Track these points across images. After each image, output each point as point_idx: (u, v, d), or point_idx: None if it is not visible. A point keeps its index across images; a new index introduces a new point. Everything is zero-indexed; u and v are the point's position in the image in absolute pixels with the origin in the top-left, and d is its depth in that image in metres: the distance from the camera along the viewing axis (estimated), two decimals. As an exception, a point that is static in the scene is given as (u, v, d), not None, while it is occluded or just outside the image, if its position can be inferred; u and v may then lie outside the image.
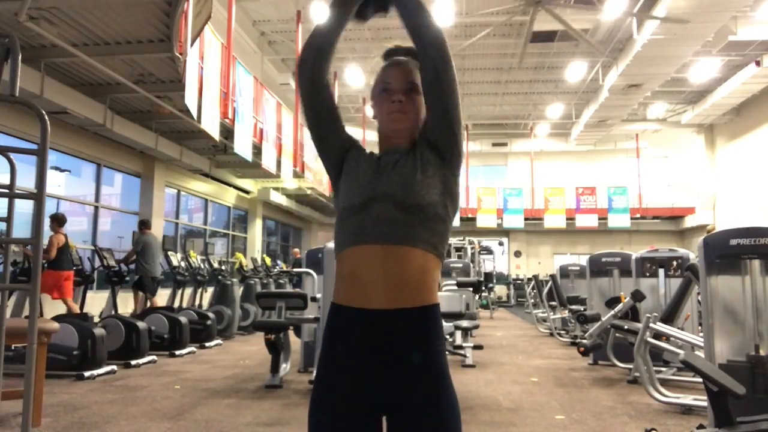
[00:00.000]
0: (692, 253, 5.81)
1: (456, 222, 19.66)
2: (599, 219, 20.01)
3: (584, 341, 6.05)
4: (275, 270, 11.46)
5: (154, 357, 6.29)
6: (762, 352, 3.30)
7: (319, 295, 5.20)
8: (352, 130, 16.09)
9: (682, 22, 10.00)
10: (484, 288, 14.20)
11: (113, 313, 7.08)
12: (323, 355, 1.24)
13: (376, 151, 1.38)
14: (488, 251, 19.87)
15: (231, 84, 8.39)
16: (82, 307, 7.41)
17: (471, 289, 7.42)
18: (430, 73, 1.25)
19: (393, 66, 1.34)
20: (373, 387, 1.17)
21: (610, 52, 13.98)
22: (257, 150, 10.07)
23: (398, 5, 1.30)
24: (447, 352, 1.26)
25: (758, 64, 13.96)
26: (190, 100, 6.74)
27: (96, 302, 8.52)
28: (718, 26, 11.01)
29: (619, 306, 5.42)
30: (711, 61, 14.27)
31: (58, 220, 7.02)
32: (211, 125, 7.55)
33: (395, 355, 1.17)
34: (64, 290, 6.92)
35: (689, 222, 20.17)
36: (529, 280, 14.26)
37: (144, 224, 8.51)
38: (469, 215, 19.95)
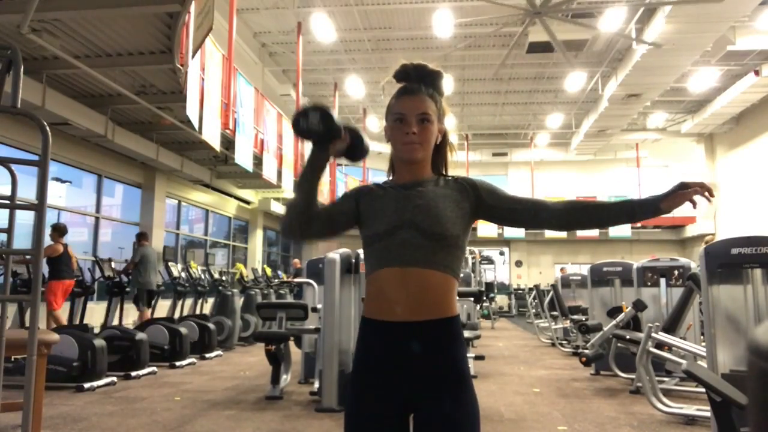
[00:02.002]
0: (693, 263, 5.80)
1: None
2: (600, 229, 19.98)
3: (586, 351, 6.03)
4: (276, 280, 11.44)
5: (155, 368, 6.27)
6: (765, 362, 3.27)
7: (319, 306, 5.18)
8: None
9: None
10: (485, 298, 14.16)
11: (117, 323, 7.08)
12: (356, 363, 1.37)
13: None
14: (489, 261, 19.83)
15: (232, 95, 8.42)
16: (82, 318, 7.39)
17: (472, 299, 7.39)
18: (540, 219, 1.41)
19: (406, 96, 1.40)
20: (400, 389, 1.30)
21: (610, 62, 14.03)
22: (258, 160, 10.09)
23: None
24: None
25: (757, 73, 14.01)
26: (191, 111, 6.76)
27: (96, 313, 8.50)
28: (717, 36, 11.06)
29: (621, 316, 5.41)
30: (710, 70, 14.33)
31: (59, 230, 7.02)
32: (212, 136, 7.57)
33: (419, 359, 1.29)
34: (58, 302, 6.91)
35: (690, 231, 20.16)
36: (531, 289, 14.24)
37: (143, 236, 8.52)
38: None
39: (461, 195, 1.39)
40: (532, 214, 1.41)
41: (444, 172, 1.47)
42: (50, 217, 8.75)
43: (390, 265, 1.31)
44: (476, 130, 20.72)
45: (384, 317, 1.31)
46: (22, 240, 6.75)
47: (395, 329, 1.30)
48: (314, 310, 5.41)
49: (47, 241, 6.82)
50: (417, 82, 1.42)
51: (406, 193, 1.38)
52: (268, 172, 10.44)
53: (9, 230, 2.51)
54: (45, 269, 6.87)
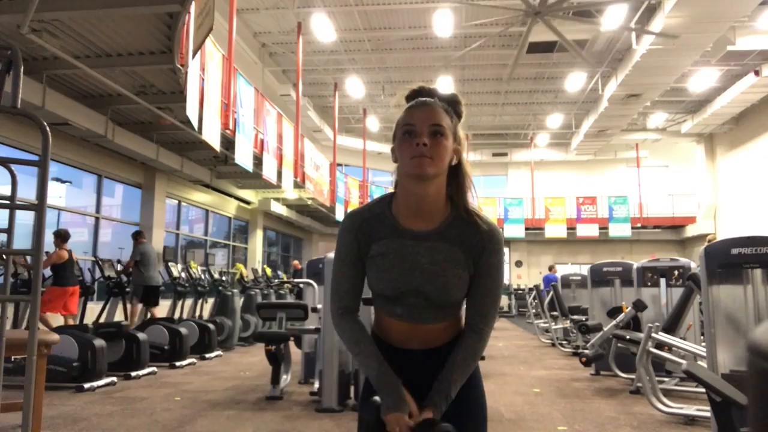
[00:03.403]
0: (693, 263, 5.80)
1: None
2: (600, 229, 20.00)
3: (586, 351, 6.03)
4: (276, 281, 11.44)
5: (155, 368, 6.27)
6: (765, 362, 3.27)
7: (319, 306, 5.18)
8: (353, 140, 16.14)
9: (674, 37, 10.05)
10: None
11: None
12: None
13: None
14: (489, 261, 19.79)
15: (232, 95, 8.42)
16: (82, 318, 7.39)
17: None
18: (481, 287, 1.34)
19: (417, 107, 1.27)
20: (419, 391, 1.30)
21: (610, 62, 14.04)
22: (258, 161, 10.09)
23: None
24: None
25: (757, 73, 14.01)
26: (191, 112, 6.76)
27: (96, 313, 8.49)
28: (717, 36, 11.06)
29: (621, 316, 5.41)
30: (710, 70, 14.33)
31: (62, 236, 6.99)
32: (212, 136, 7.57)
33: (429, 378, 1.30)
34: (69, 306, 6.91)
35: (690, 231, 20.16)
36: (531, 290, 14.23)
37: (140, 234, 8.51)
38: (470, 225, 19.89)
39: (466, 254, 1.28)
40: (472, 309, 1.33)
41: (462, 206, 1.30)
42: (50, 218, 8.75)
43: (398, 319, 1.33)
44: (476, 130, 20.73)
45: (396, 345, 1.35)
46: (22, 240, 6.75)
47: (408, 354, 1.33)
48: (314, 310, 5.41)
49: (47, 241, 6.82)
50: (430, 96, 1.31)
51: (413, 249, 1.27)
52: (268, 172, 10.44)
53: (9, 230, 2.50)
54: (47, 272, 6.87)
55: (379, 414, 1.23)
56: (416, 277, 1.26)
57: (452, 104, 1.30)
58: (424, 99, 1.28)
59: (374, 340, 1.36)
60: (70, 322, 6.95)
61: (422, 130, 1.23)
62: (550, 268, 15.29)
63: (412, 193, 1.27)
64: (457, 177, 1.30)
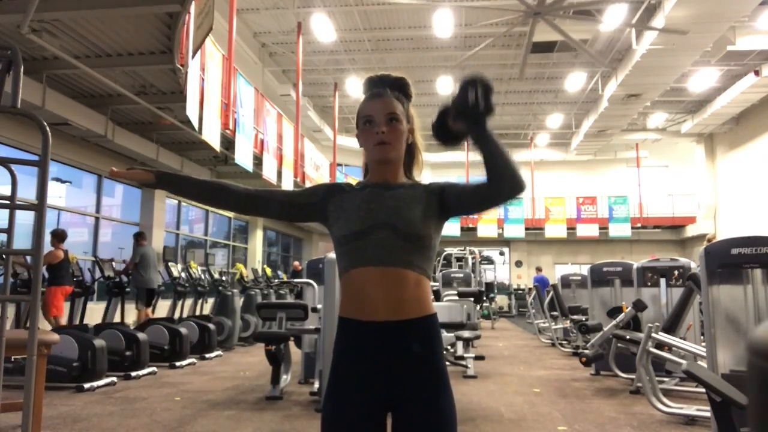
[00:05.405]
0: (693, 263, 5.80)
1: (456, 232, 19.00)
2: (600, 229, 20.00)
3: (586, 351, 6.03)
4: (276, 281, 11.44)
5: (155, 368, 6.27)
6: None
7: (319, 306, 5.18)
8: (353, 140, 16.13)
9: (681, 33, 10.05)
10: (485, 298, 14.16)
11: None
12: (335, 363, 1.37)
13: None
14: (489, 261, 19.84)
15: (232, 95, 8.41)
16: (82, 318, 7.39)
17: (472, 299, 7.39)
18: (492, 195, 1.39)
19: (373, 99, 1.44)
20: (380, 388, 1.31)
21: (610, 62, 14.04)
22: (258, 161, 10.09)
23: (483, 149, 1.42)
24: (448, 363, 1.31)
25: (757, 73, 14.01)
26: (191, 112, 6.76)
27: (96, 313, 8.50)
28: (717, 36, 11.06)
29: (621, 316, 5.41)
30: (710, 70, 14.33)
31: (59, 236, 6.99)
32: (212, 136, 7.57)
33: (399, 359, 1.31)
34: (59, 307, 6.92)
35: (690, 231, 20.16)
36: (530, 290, 14.24)
37: (141, 236, 8.51)
38: (470, 225, 19.93)
39: (429, 196, 1.41)
40: (490, 197, 1.41)
41: (416, 175, 1.52)
42: (50, 218, 8.75)
43: (366, 265, 1.33)
44: (476, 131, 20.72)
45: (363, 317, 1.32)
46: (22, 240, 6.75)
47: (376, 329, 1.31)
48: (314, 310, 5.41)
49: (47, 241, 6.82)
50: (382, 85, 1.47)
51: (378, 194, 1.40)
52: (268, 172, 10.44)
53: (9, 230, 2.50)
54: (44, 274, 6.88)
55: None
56: (382, 212, 1.36)
57: (401, 89, 1.48)
58: (378, 91, 1.45)
59: (341, 324, 1.36)
60: (60, 324, 6.92)
61: (380, 120, 1.40)
62: (538, 269, 15.40)
63: (377, 171, 1.46)
64: (412, 152, 1.50)
